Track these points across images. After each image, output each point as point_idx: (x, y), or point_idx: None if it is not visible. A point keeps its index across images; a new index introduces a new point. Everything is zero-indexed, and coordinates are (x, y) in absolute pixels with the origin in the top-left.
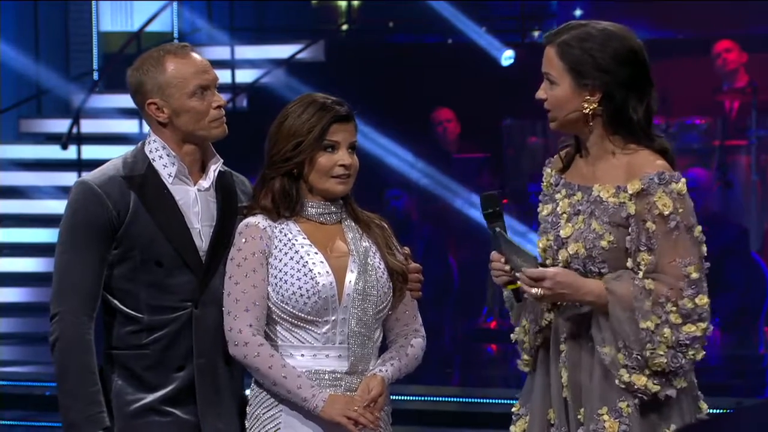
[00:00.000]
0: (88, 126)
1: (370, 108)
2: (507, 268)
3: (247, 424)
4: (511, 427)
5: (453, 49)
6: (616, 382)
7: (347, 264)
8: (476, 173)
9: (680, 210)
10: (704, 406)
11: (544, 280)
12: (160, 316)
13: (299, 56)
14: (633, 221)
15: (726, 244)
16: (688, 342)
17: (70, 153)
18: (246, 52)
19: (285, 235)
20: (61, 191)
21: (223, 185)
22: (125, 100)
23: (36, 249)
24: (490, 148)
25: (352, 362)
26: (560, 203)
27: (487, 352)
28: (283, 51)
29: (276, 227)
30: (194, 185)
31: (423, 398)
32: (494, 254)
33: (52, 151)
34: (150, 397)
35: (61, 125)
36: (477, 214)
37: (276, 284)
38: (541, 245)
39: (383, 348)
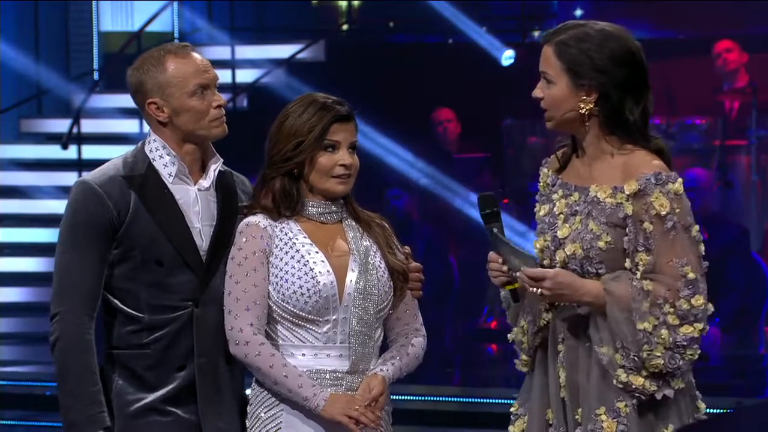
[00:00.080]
0: (88, 126)
1: (370, 108)
2: (505, 269)
3: (248, 424)
4: (510, 427)
5: (453, 49)
6: (614, 382)
7: (348, 263)
8: (477, 173)
9: (677, 210)
10: (702, 406)
11: (544, 280)
12: (160, 316)
13: (300, 56)
14: (630, 222)
15: (726, 244)
16: (685, 343)
17: (71, 153)
18: (246, 52)
19: (286, 234)
20: (62, 191)
21: (223, 185)
22: (126, 100)
23: (36, 249)
24: (490, 148)
25: (353, 361)
26: (557, 203)
27: (487, 352)
28: (283, 51)
29: (277, 226)
30: (194, 185)
31: (423, 398)
32: (492, 255)
33: (53, 151)
34: (151, 397)
35: (61, 125)
36: (477, 214)
37: (277, 283)
38: (538, 246)
39: (384, 347)
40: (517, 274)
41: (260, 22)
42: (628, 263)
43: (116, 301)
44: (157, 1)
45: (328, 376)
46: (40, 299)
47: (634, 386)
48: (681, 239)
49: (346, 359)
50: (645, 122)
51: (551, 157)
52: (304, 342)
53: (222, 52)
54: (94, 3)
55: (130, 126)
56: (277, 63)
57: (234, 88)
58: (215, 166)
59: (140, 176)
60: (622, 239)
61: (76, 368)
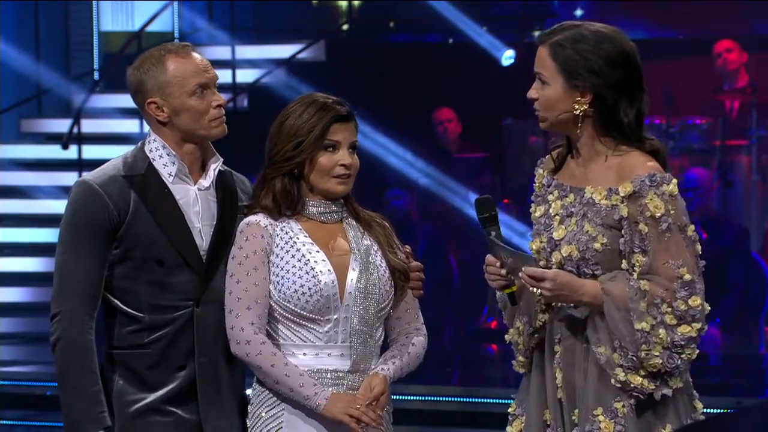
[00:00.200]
0: (88, 126)
1: (370, 108)
2: (503, 272)
3: (249, 423)
4: (508, 428)
5: (454, 49)
6: (612, 381)
7: (349, 262)
8: (477, 173)
9: (672, 211)
10: (699, 405)
11: (544, 281)
12: (161, 316)
13: (300, 56)
14: (625, 223)
15: (726, 244)
16: (683, 342)
17: (71, 153)
18: (246, 52)
19: (286, 233)
20: (62, 191)
21: (223, 184)
22: (126, 100)
23: (37, 249)
24: (490, 147)
25: (354, 361)
26: (553, 205)
27: (487, 352)
28: (283, 51)
29: (277, 225)
30: (194, 184)
31: (424, 398)
32: (489, 258)
33: (53, 151)
34: (151, 397)
35: (61, 125)
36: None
37: (278, 282)
38: (534, 247)
39: (385, 347)
40: (520, 274)
41: (260, 22)
42: (624, 264)
43: (116, 301)
44: (157, 1)
45: (329, 375)
46: (41, 299)
47: (632, 385)
48: (676, 240)
49: (347, 358)
50: (640, 123)
51: (546, 157)
52: (305, 341)
53: (222, 52)
54: (94, 3)
55: (130, 126)
56: (278, 63)
57: (234, 88)
58: (215, 166)
59: (140, 176)
60: (617, 241)
61: (77, 368)
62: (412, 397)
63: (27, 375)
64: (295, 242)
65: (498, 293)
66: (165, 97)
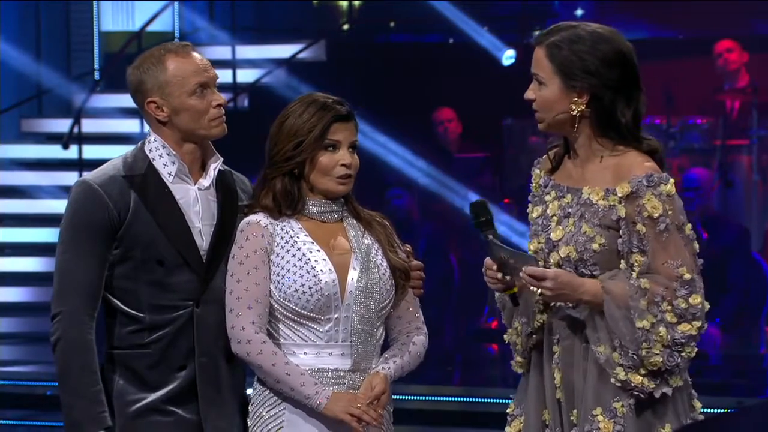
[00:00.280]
0: (89, 126)
1: (371, 107)
2: (500, 275)
3: (249, 423)
4: (507, 428)
5: (454, 49)
6: (612, 380)
7: (349, 261)
8: (477, 173)
9: (670, 211)
10: (698, 404)
11: (545, 280)
12: (161, 315)
13: (300, 56)
14: (623, 224)
15: (727, 244)
16: (683, 341)
17: (72, 153)
18: (247, 51)
19: (287, 233)
20: (63, 191)
21: (223, 184)
22: (126, 100)
23: (37, 249)
24: (491, 147)
25: (355, 360)
26: (550, 205)
27: (488, 352)
28: (284, 51)
29: (277, 225)
30: (194, 184)
31: (424, 398)
32: (487, 262)
33: (54, 151)
34: (152, 397)
35: (62, 125)
36: None
37: (278, 281)
38: (531, 247)
39: (385, 346)
40: (521, 274)
41: (261, 21)
42: (622, 264)
43: (117, 301)
44: (157, 1)
45: (330, 374)
46: (41, 299)
47: (632, 384)
48: (675, 240)
49: (348, 357)
50: (637, 123)
51: (543, 157)
52: (305, 340)
53: (223, 52)
54: (95, 3)
55: (131, 126)
56: (278, 63)
57: (235, 88)
58: (215, 166)
59: (140, 176)
60: (615, 241)
61: (77, 368)
62: (412, 397)
63: (27, 375)
64: (295, 241)
65: (497, 294)
66: (165, 97)
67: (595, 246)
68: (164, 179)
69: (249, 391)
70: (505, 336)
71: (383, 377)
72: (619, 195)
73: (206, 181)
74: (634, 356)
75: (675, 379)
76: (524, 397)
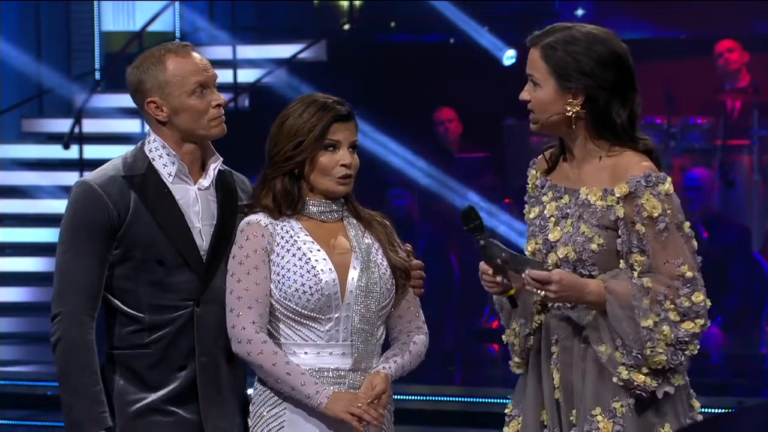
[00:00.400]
0: (89, 126)
1: (371, 107)
2: (498, 279)
3: (250, 423)
4: (505, 429)
5: (455, 49)
6: (614, 380)
7: (350, 261)
8: (478, 173)
9: (668, 210)
10: (697, 404)
11: (550, 284)
12: (161, 316)
13: (301, 56)
14: (622, 224)
15: (728, 244)
16: (687, 339)
17: (72, 153)
18: (248, 51)
19: (287, 232)
20: (63, 191)
21: (223, 184)
22: (127, 100)
23: (37, 249)
24: (491, 147)
25: (356, 359)
26: (547, 206)
27: (488, 352)
28: (284, 51)
29: (278, 224)
30: (194, 184)
31: (425, 398)
32: (482, 266)
33: (54, 151)
34: (152, 397)
35: (62, 125)
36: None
37: (278, 281)
38: (529, 248)
39: (385, 345)
40: (524, 276)
41: (261, 22)
42: (622, 264)
43: (117, 301)
44: (158, 1)
45: (330, 374)
46: (41, 299)
47: (635, 383)
48: (674, 239)
49: (348, 357)
50: (633, 124)
51: (539, 158)
52: (306, 340)
53: (223, 52)
54: (95, 3)
55: (131, 126)
56: (279, 63)
57: (235, 88)
58: (215, 166)
59: (140, 176)
60: (614, 241)
61: (78, 368)
62: (413, 397)
63: (27, 375)
64: (295, 241)
65: (495, 296)
66: (164, 97)
67: (593, 246)
68: (164, 179)
69: (250, 391)
70: (503, 336)
71: (384, 377)
72: (617, 195)
73: (206, 181)
74: (638, 355)
75: (677, 377)
76: (522, 398)
